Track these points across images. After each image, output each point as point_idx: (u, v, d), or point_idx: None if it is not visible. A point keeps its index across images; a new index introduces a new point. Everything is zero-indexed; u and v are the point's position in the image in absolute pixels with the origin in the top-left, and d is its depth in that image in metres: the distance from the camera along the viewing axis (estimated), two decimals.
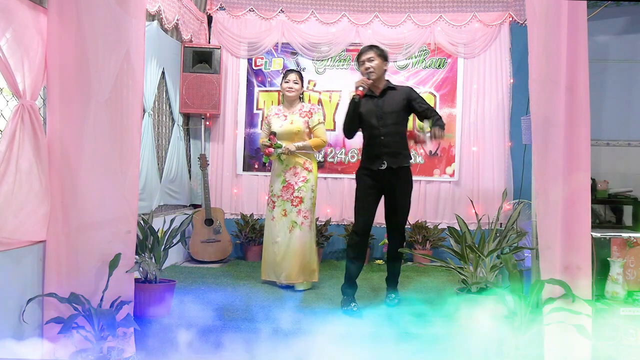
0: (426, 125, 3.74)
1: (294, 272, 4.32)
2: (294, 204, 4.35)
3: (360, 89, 3.74)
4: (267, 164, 4.65)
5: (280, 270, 4.36)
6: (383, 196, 3.93)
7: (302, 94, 4.60)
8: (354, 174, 4.03)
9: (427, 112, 3.86)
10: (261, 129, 4.69)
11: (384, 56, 3.89)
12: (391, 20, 5.81)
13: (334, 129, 5.90)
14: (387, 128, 3.81)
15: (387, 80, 3.96)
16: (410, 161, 3.96)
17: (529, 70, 2.92)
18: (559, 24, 2.76)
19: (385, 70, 3.95)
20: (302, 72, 4.68)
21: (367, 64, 3.82)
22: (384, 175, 3.83)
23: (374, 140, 3.84)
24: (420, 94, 5.68)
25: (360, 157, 4.17)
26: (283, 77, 4.55)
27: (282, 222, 4.38)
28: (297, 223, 4.34)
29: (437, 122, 3.78)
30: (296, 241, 4.33)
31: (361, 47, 4.03)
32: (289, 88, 4.46)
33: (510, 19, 5.72)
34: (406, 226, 5.60)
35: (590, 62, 2.82)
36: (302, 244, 4.33)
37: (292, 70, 4.57)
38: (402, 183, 3.87)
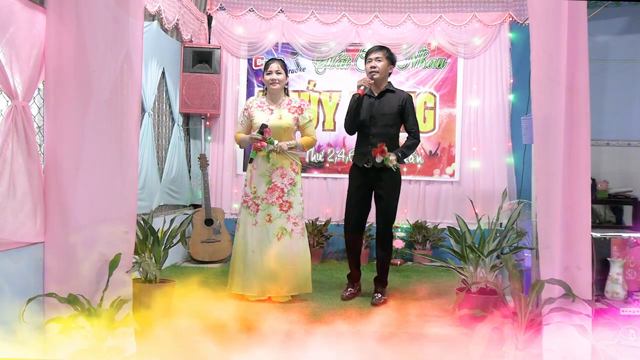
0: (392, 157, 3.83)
1: (286, 286, 3.87)
2: (283, 209, 3.90)
3: (362, 88, 3.87)
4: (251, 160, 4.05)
5: (264, 284, 3.85)
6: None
7: (287, 85, 4.12)
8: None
9: (408, 132, 4.01)
10: (239, 122, 4.15)
11: (391, 59, 4.01)
12: (391, 20, 5.81)
13: (334, 129, 5.90)
14: (377, 129, 3.93)
15: (389, 83, 4.05)
16: (402, 163, 4.04)
17: (530, 70, 2.92)
18: (559, 24, 2.76)
19: (390, 73, 4.06)
20: (284, 61, 4.16)
21: (374, 63, 3.94)
22: (370, 174, 3.95)
23: (363, 139, 3.97)
24: (420, 94, 5.79)
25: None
26: (264, 68, 4.05)
27: (265, 228, 3.88)
28: (287, 230, 3.88)
29: (403, 148, 3.95)
30: (287, 251, 3.86)
31: (372, 46, 4.15)
32: (272, 80, 3.96)
33: (510, 19, 5.72)
34: (406, 226, 5.67)
35: (590, 62, 2.82)
36: (294, 253, 3.88)
37: (273, 59, 4.05)
38: (387, 183, 3.95)
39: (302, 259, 3.93)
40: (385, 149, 3.78)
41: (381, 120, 3.94)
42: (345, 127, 4.08)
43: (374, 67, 3.93)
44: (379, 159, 3.79)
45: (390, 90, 4.01)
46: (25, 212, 2.66)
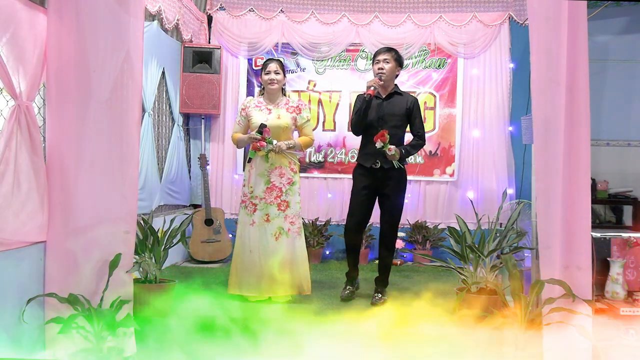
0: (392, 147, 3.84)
1: (285, 286, 3.86)
2: (281, 208, 3.90)
3: (372, 88, 3.88)
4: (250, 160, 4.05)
5: (263, 284, 3.86)
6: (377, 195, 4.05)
7: (285, 85, 4.14)
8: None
9: (414, 135, 4.04)
10: (237, 122, 4.12)
11: (399, 61, 4.03)
12: (391, 20, 5.82)
13: (334, 129, 5.91)
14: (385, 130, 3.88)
15: (396, 85, 4.08)
16: (405, 164, 4.04)
17: (530, 70, 2.92)
18: (559, 24, 2.76)
19: (397, 75, 4.09)
20: (282, 61, 4.13)
21: (382, 64, 3.95)
22: (377, 174, 3.95)
23: (370, 140, 3.91)
24: (421, 94, 5.78)
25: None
26: (262, 68, 4.06)
27: (263, 228, 3.89)
28: (284, 229, 3.89)
29: (408, 146, 3.98)
30: (284, 250, 3.87)
31: (381, 47, 4.16)
32: (271, 80, 3.96)
33: (510, 19, 5.72)
34: (406, 226, 5.67)
35: (590, 62, 2.81)
36: (291, 252, 3.90)
37: (272, 60, 4.07)
38: (394, 183, 3.97)
39: (299, 258, 3.93)
40: (387, 136, 3.78)
41: (389, 121, 3.95)
42: (351, 128, 4.09)
43: (382, 69, 3.94)
44: (378, 145, 3.79)
45: (397, 92, 4.05)
46: (27, 212, 2.66)
